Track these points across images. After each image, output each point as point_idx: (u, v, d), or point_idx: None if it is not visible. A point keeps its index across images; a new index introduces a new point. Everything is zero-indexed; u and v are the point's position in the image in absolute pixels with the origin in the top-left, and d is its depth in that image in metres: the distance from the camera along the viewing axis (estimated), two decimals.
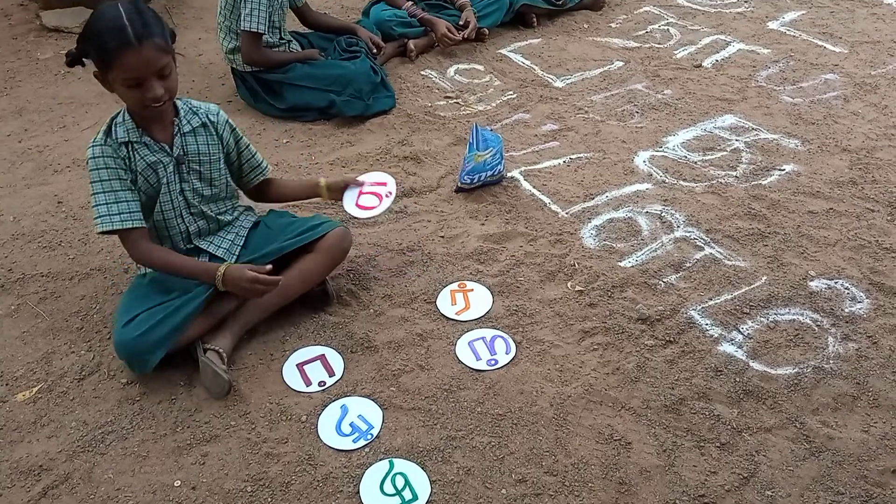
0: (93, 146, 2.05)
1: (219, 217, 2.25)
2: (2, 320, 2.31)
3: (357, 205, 2.35)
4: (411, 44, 3.75)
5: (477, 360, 2.14)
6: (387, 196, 2.36)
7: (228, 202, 2.29)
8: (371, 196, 2.36)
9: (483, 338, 2.21)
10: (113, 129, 2.05)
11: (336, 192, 2.40)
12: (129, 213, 2.04)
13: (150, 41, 1.89)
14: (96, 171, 2.03)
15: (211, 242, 2.24)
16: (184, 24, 4.27)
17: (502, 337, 2.21)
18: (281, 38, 3.35)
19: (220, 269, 2.06)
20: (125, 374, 2.12)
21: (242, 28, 3.13)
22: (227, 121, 2.23)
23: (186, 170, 2.14)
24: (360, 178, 2.41)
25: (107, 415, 2.01)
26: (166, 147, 2.09)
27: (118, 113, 2.08)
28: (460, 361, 2.14)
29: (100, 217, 2.03)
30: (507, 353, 2.16)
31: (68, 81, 3.67)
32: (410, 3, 3.82)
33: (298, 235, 2.26)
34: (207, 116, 2.18)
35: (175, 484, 1.84)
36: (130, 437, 1.95)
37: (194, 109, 2.16)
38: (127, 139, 2.04)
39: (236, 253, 2.24)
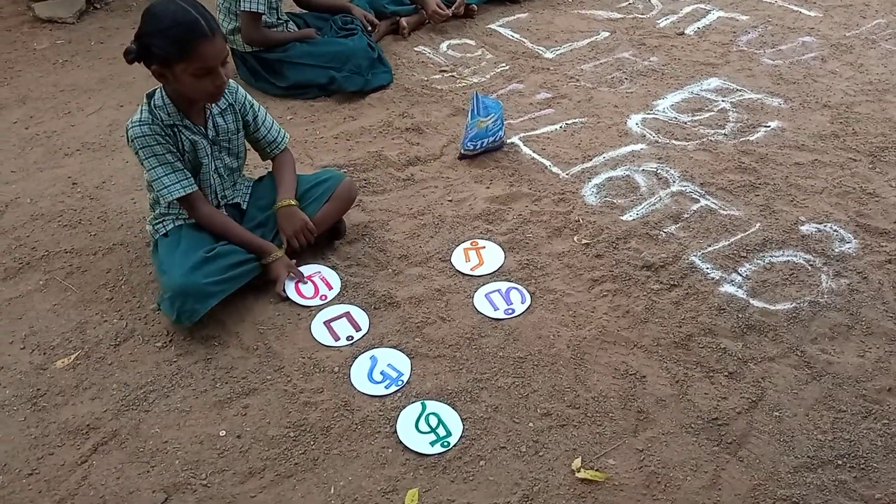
0: (139, 125, 2.17)
1: (235, 178, 2.46)
2: (32, 295, 2.38)
3: (297, 286, 2.36)
4: (403, 21, 3.85)
5: (495, 310, 2.26)
6: (321, 298, 2.32)
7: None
8: (311, 287, 2.37)
9: (499, 290, 2.32)
10: (155, 111, 2.18)
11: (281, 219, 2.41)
12: (188, 179, 2.24)
13: (220, 32, 2.09)
14: (149, 148, 2.18)
15: (234, 197, 2.46)
16: None
17: (517, 288, 2.33)
18: (279, 19, 3.43)
19: (275, 253, 2.34)
20: (160, 339, 2.21)
21: (242, 8, 3.21)
22: (245, 96, 2.38)
23: (219, 148, 2.34)
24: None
25: (146, 376, 2.10)
26: (202, 128, 2.27)
27: (152, 96, 2.21)
28: (479, 312, 2.26)
29: (165, 188, 2.21)
30: (522, 303, 2.28)
31: (68, 70, 3.72)
32: None
33: (316, 199, 2.43)
34: (229, 95, 2.32)
35: (220, 434, 1.94)
36: (172, 394, 2.05)
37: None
38: (171, 122, 2.20)
39: (247, 199, 2.48)
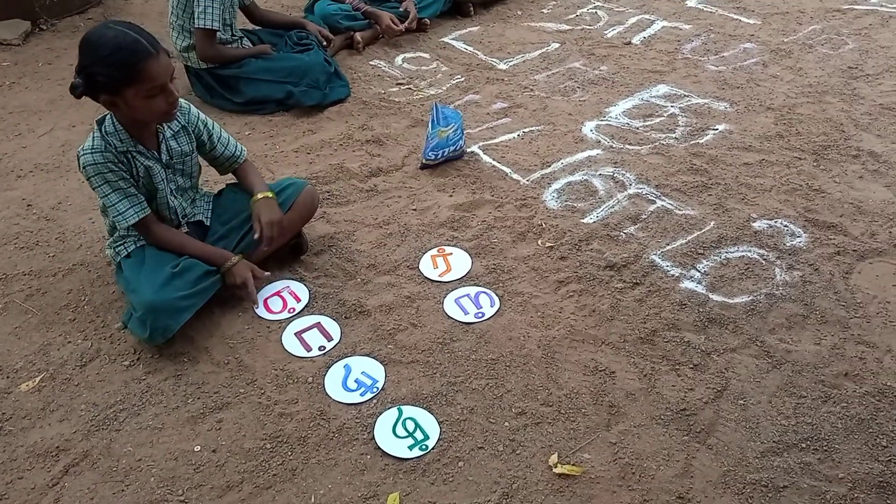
0: (91, 153, 2.12)
1: (193, 195, 2.44)
2: None
3: (265, 302, 2.36)
4: (358, 36, 3.88)
5: (465, 314, 2.29)
6: (290, 311, 2.32)
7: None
8: (279, 301, 2.36)
9: (468, 294, 2.36)
10: (106, 137, 2.13)
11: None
12: (140, 204, 2.21)
13: (162, 48, 2.03)
14: (101, 175, 2.14)
15: (195, 214, 2.43)
16: None
17: (486, 292, 2.36)
18: (233, 35, 3.42)
19: (232, 259, 2.31)
20: (127, 357, 2.18)
21: (196, 26, 3.20)
22: (197, 115, 2.35)
23: (172, 171, 2.30)
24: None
25: (115, 395, 2.07)
26: (155, 153, 2.23)
27: (102, 122, 2.15)
28: (450, 317, 2.28)
29: (120, 214, 2.18)
30: (491, 306, 2.31)
31: (15, 92, 3.64)
32: None
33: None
34: (181, 116, 2.28)
35: (195, 449, 1.92)
36: (143, 412, 2.02)
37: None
38: (125, 148, 2.15)
39: (209, 215, 2.45)
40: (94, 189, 2.19)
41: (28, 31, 4.14)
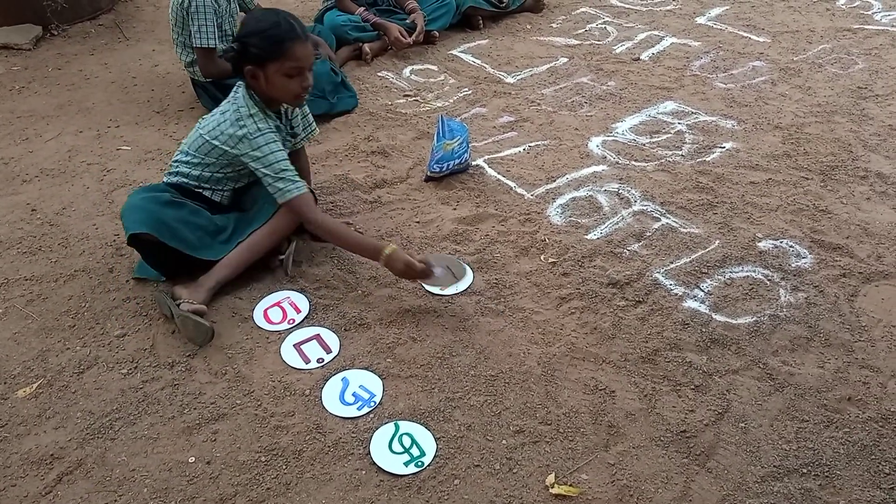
0: (253, 119, 2.33)
1: None
2: None
3: (265, 312, 2.34)
4: (366, 47, 3.89)
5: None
6: (289, 322, 2.30)
7: None
8: (279, 311, 2.35)
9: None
10: (258, 106, 2.37)
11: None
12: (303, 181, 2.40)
13: (310, 38, 2.34)
14: (274, 143, 2.35)
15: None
16: (136, 38, 4.31)
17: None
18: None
19: (386, 248, 2.29)
20: (125, 366, 2.17)
21: (195, 45, 3.21)
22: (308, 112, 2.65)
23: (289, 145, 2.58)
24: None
25: (111, 403, 2.06)
26: (279, 123, 2.50)
27: (235, 108, 2.35)
28: (446, 329, 2.27)
29: (294, 184, 2.35)
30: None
31: (24, 96, 3.66)
32: (363, 8, 3.95)
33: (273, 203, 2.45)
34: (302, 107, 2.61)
35: (189, 460, 1.90)
36: (139, 421, 2.01)
37: None
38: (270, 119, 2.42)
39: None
40: (262, 157, 2.32)
41: (39, 36, 4.17)
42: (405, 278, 2.35)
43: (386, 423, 1.98)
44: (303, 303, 2.38)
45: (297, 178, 2.37)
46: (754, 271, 2.49)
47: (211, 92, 3.42)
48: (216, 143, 2.38)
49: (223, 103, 2.44)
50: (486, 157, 3.13)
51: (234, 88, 2.40)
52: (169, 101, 3.62)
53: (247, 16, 2.32)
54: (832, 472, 1.85)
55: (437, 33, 4.14)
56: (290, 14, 2.33)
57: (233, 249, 2.40)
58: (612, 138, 3.27)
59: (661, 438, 1.94)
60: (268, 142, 2.34)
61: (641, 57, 4.04)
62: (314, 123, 2.70)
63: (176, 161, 2.50)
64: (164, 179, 2.51)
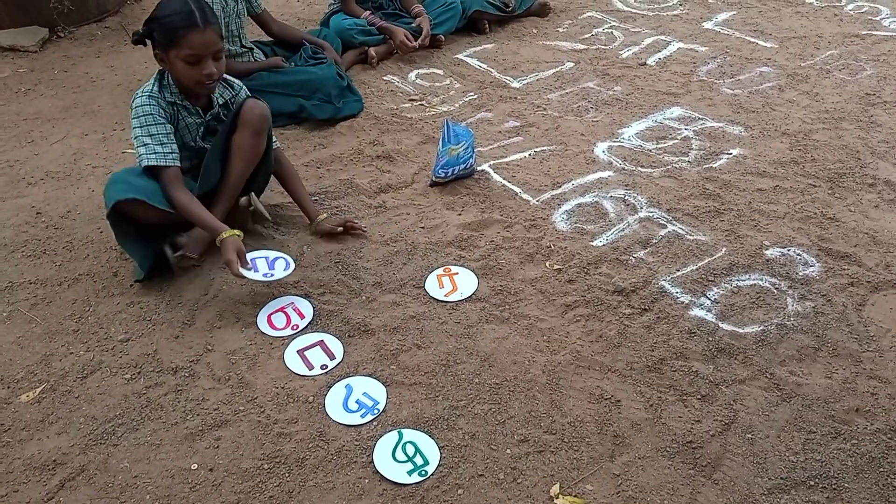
0: (145, 95, 2.41)
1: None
2: None
3: (269, 318, 2.34)
4: (372, 51, 3.88)
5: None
6: (293, 328, 2.30)
7: None
8: (283, 317, 2.35)
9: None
10: (162, 88, 2.42)
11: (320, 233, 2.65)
12: (172, 153, 2.41)
13: (213, 27, 2.34)
14: (146, 116, 2.39)
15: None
16: None
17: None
18: (242, 46, 3.41)
19: (223, 233, 2.33)
20: (128, 371, 2.16)
21: None
22: (245, 98, 2.57)
23: (208, 130, 2.56)
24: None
25: (114, 409, 2.05)
26: (200, 111, 2.51)
27: (162, 74, 2.43)
28: (450, 335, 2.26)
29: (145, 154, 2.38)
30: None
31: (30, 98, 3.67)
32: (369, 12, 3.95)
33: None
34: (227, 91, 2.58)
35: (192, 467, 1.89)
36: (141, 427, 2.00)
37: (228, 82, 2.59)
38: (173, 101, 2.44)
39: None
40: (133, 128, 2.40)
41: (45, 38, 4.17)
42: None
43: (389, 432, 1.97)
44: (307, 308, 2.37)
45: (157, 149, 2.37)
46: (761, 279, 2.48)
47: None
48: None
49: None
50: (492, 162, 3.12)
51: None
52: None
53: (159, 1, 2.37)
54: (840, 485, 1.83)
55: (443, 37, 4.13)
56: (198, 0, 2.34)
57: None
58: (619, 144, 3.26)
59: (667, 449, 1.93)
60: (145, 113, 2.38)
61: (648, 62, 4.03)
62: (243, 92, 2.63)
63: None
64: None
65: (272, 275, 2.39)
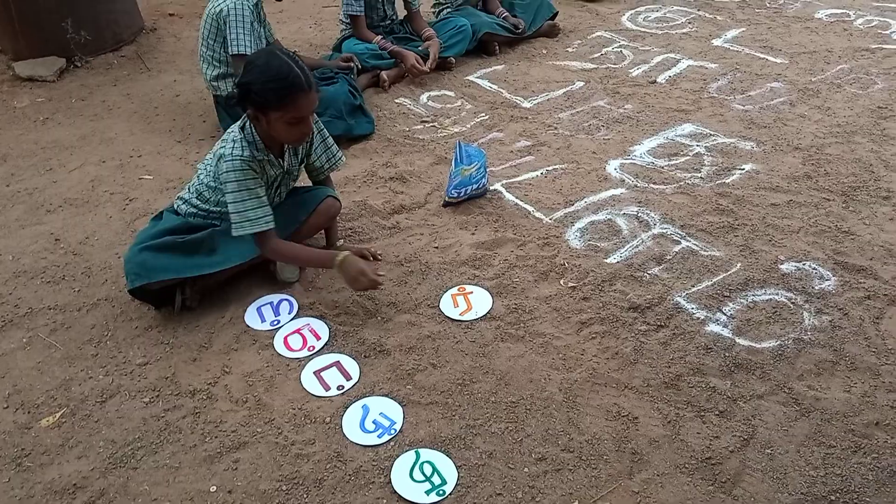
0: (236, 160, 2.32)
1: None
2: (15, 353, 2.35)
3: (286, 339, 2.36)
4: (384, 74, 3.93)
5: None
6: (309, 349, 2.32)
7: None
8: (299, 339, 2.37)
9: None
10: (249, 147, 2.35)
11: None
12: (265, 216, 2.38)
13: (315, 85, 2.29)
14: (240, 184, 2.33)
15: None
16: (157, 68, 4.38)
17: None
18: None
19: (338, 255, 2.37)
20: (147, 394, 2.18)
21: (232, 52, 3.26)
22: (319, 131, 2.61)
23: (288, 178, 2.59)
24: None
25: (133, 432, 2.07)
26: (280, 161, 2.48)
27: (243, 129, 2.36)
28: (466, 354, 2.26)
29: (250, 221, 2.35)
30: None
31: (48, 127, 3.73)
32: (381, 37, 4.00)
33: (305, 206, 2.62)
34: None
35: (211, 490, 1.90)
36: (160, 450, 2.01)
37: None
38: (261, 157, 2.38)
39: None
40: (227, 193, 2.34)
41: (62, 68, 4.25)
42: (355, 287, 2.38)
43: (407, 451, 1.97)
44: (322, 329, 2.38)
45: (258, 214, 2.35)
46: (777, 294, 2.47)
47: (233, 111, 3.47)
48: (206, 175, 2.45)
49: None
50: (504, 181, 3.14)
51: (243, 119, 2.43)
52: (190, 130, 3.67)
53: (250, 59, 2.30)
54: (861, 499, 1.81)
55: (454, 59, 4.18)
56: (295, 58, 2.28)
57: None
58: (630, 161, 3.27)
59: (686, 465, 1.91)
60: (237, 179, 2.32)
61: (658, 80, 4.05)
62: (340, 154, 2.69)
63: (188, 195, 2.55)
64: (175, 205, 2.57)
65: (278, 321, 2.42)
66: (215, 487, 1.91)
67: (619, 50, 4.45)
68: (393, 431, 2.03)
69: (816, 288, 2.48)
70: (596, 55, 4.39)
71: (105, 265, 2.71)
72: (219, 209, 2.48)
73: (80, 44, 4.33)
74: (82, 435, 2.07)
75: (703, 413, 2.06)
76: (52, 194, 3.17)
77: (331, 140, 2.65)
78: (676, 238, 2.74)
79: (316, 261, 2.51)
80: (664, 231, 2.79)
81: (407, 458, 1.95)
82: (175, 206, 2.56)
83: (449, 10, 4.39)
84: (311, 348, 2.32)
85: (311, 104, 2.29)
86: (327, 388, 2.18)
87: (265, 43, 3.48)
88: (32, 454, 2.02)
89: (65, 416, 2.13)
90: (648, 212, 2.90)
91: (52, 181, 3.27)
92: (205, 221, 2.51)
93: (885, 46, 4.29)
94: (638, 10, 5.08)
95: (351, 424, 2.06)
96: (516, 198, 3.02)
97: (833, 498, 1.82)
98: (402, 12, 4.25)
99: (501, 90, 3.97)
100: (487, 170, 3.00)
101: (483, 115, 3.72)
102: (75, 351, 2.35)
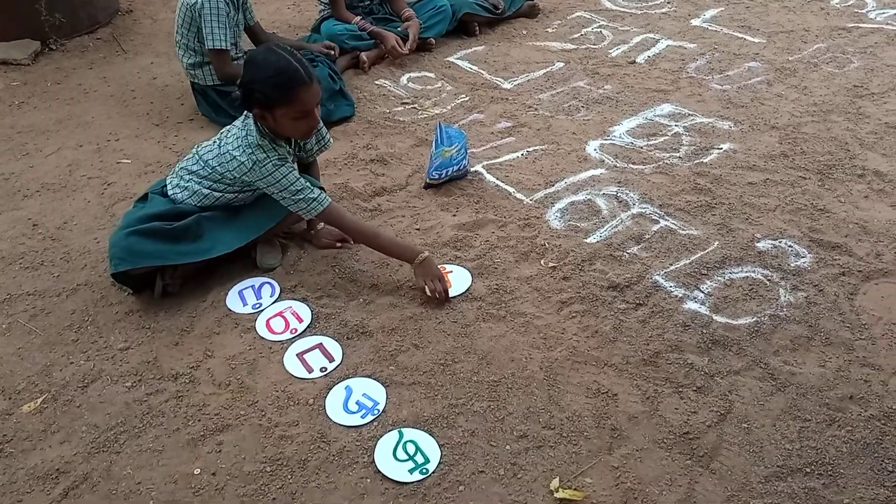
0: (262, 151, 2.34)
1: None
2: None
3: (268, 322, 2.36)
4: (363, 55, 3.91)
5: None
6: (292, 332, 2.32)
7: None
8: (281, 321, 2.37)
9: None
10: (266, 137, 2.37)
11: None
12: (321, 192, 2.42)
13: (316, 78, 2.30)
14: (285, 174, 2.36)
15: None
16: (134, 51, 4.32)
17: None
18: (237, 53, 3.44)
19: (422, 254, 2.41)
20: (128, 379, 2.18)
21: (208, 48, 3.23)
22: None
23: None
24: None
25: (116, 417, 2.07)
26: (287, 146, 2.49)
27: (244, 134, 2.37)
28: (448, 335, 2.28)
29: (316, 200, 2.38)
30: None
31: (24, 111, 3.68)
32: (360, 17, 3.97)
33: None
34: None
35: (195, 472, 1.91)
36: (143, 434, 2.02)
37: None
38: (275, 146, 2.40)
39: None
40: (279, 192, 2.36)
41: (37, 51, 4.19)
42: (429, 287, 2.37)
43: (390, 431, 1.99)
44: (305, 312, 2.39)
45: (315, 192, 2.40)
46: (754, 272, 2.50)
47: (210, 98, 3.45)
48: (230, 173, 2.41)
49: (231, 130, 2.44)
50: (485, 162, 3.14)
51: (244, 116, 2.41)
52: (168, 113, 3.63)
53: (249, 58, 2.30)
54: (836, 471, 1.86)
55: (434, 40, 4.16)
56: (293, 53, 2.29)
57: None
58: (610, 142, 3.29)
59: (665, 441, 1.95)
60: (276, 167, 2.34)
61: (637, 60, 4.06)
62: (328, 136, 2.72)
63: (188, 179, 2.50)
64: (170, 191, 2.52)
65: (260, 304, 2.42)
66: (199, 470, 1.92)
67: (598, 30, 4.45)
68: (376, 412, 2.05)
69: (792, 265, 2.52)
70: (576, 35, 4.39)
71: (84, 250, 2.69)
72: (221, 195, 2.49)
73: (55, 26, 4.26)
74: (64, 420, 2.07)
75: (681, 389, 2.09)
76: (29, 179, 3.14)
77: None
78: (655, 217, 2.77)
79: (395, 250, 2.48)
80: (643, 211, 2.81)
81: (390, 438, 1.97)
82: (171, 194, 2.51)
83: None
84: (294, 331, 2.32)
85: (314, 97, 2.30)
86: (310, 370, 2.19)
87: (243, 29, 3.44)
88: (14, 440, 2.02)
89: (46, 402, 2.12)
90: (627, 192, 2.92)
91: (29, 166, 3.24)
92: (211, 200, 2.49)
93: (861, 25, 4.33)
94: None
95: (334, 406, 2.07)
96: (497, 179, 3.03)
97: (808, 470, 1.86)
98: None
99: (482, 71, 3.97)
100: (468, 151, 3.01)
101: (463, 96, 3.71)
102: (55, 336, 2.34)
